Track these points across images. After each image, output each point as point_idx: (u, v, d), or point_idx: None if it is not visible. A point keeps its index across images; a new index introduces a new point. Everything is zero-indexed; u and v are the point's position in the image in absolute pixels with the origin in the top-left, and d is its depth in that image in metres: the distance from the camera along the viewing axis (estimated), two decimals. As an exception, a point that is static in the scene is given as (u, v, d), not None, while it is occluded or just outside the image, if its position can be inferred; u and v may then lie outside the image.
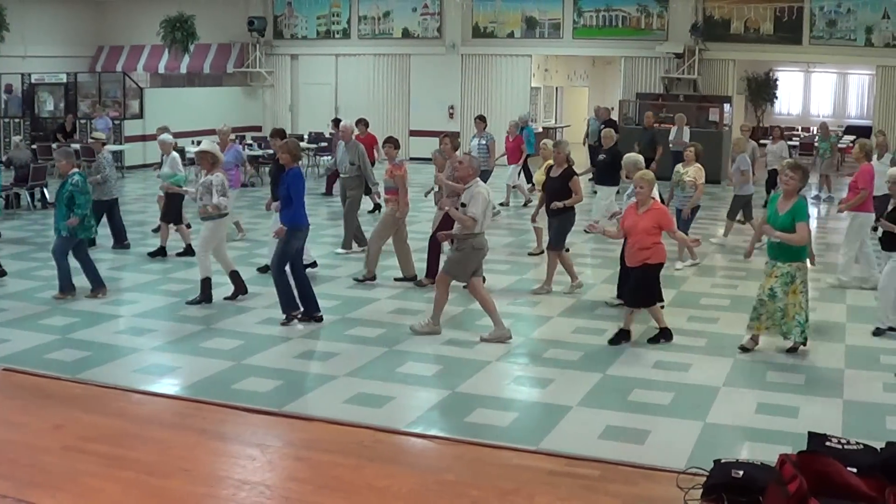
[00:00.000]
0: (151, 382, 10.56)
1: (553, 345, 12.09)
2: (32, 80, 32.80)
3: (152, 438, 8.93)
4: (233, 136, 19.53)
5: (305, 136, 31.31)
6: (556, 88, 41.68)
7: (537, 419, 9.61)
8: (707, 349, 11.95)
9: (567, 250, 15.67)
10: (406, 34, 35.30)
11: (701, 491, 7.55)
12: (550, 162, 15.65)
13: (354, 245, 17.54)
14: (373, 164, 18.19)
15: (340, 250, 17.51)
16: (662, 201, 13.96)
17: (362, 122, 22.43)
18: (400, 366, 11.17)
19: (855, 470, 7.04)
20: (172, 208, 17.17)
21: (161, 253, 16.96)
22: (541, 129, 36.80)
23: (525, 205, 23.33)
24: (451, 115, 34.04)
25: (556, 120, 41.97)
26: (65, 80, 32.76)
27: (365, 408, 9.74)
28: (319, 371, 11.00)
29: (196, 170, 18.07)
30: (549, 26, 33.53)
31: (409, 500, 7.72)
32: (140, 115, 31.50)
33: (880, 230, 12.72)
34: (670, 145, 24.55)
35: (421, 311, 13.19)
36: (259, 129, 35.00)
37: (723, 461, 7.82)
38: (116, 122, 30.75)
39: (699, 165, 16.63)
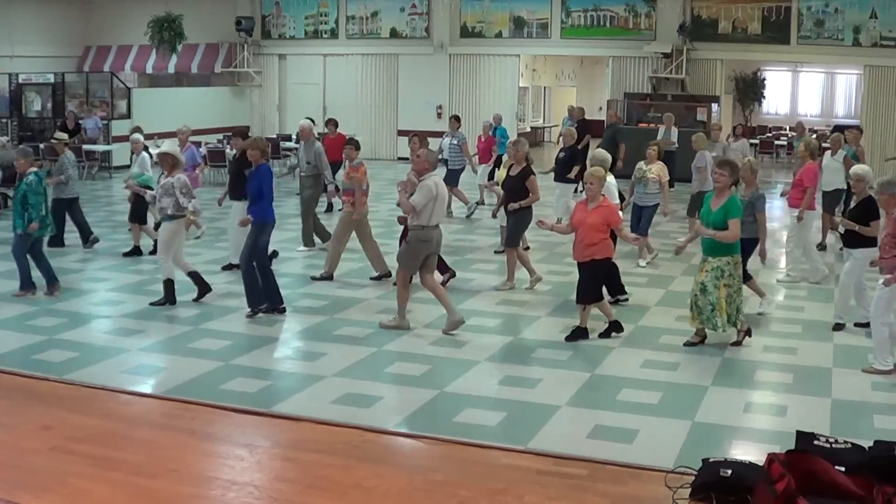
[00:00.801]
0: (139, 383, 10.52)
1: (541, 344, 12.10)
2: (20, 81, 32.72)
3: (140, 439, 8.92)
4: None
5: (293, 136, 31.28)
6: (544, 88, 41.77)
7: (526, 419, 9.59)
8: (695, 348, 11.94)
9: (527, 248, 16.16)
10: (394, 34, 35.30)
11: (689, 490, 7.56)
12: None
13: (318, 241, 17.69)
14: (342, 163, 17.98)
15: (302, 248, 17.60)
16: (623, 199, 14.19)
17: (332, 122, 22.52)
18: (388, 366, 11.17)
19: (843, 469, 7.07)
20: (139, 209, 17.20)
21: (136, 252, 17.04)
22: (529, 129, 36.91)
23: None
24: (438, 115, 34.00)
25: (544, 120, 42.06)
26: (52, 81, 32.70)
27: (353, 408, 9.73)
28: (307, 371, 10.97)
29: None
30: (536, 26, 33.56)
31: (398, 501, 7.72)
32: (128, 116, 31.36)
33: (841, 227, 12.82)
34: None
35: (409, 310, 13.16)
36: (247, 128, 34.92)
37: (711, 460, 7.85)
38: (104, 122, 30.69)
39: (662, 163, 16.69)
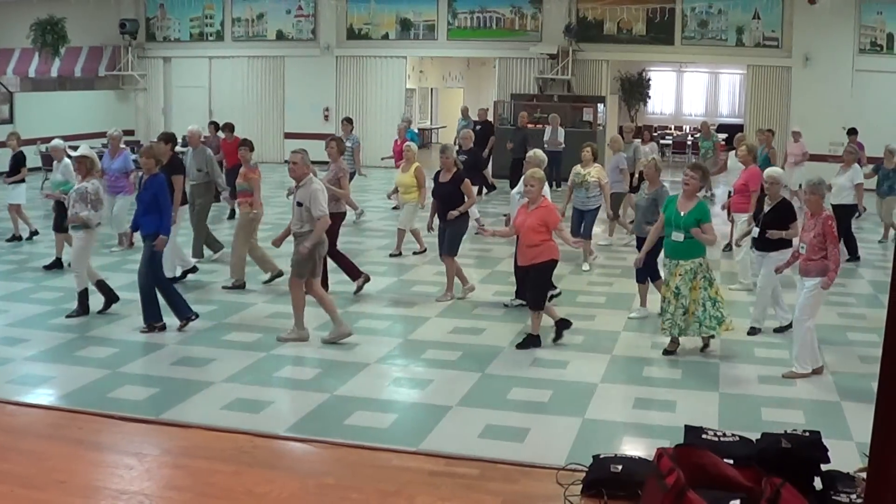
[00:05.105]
0: (25, 393, 10.30)
1: (431, 345, 12.13)
2: None
3: (27, 450, 8.75)
4: (105, 142, 19.09)
5: (179, 140, 30.91)
6: (431, 89, 41.87)
7: (417, 420, 9.62)
8: (584, 346, 12.09)
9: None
10: (280, 36, 35.13)
11: (580, 486, 7.64)
12: (416, 164, 15.93)
13: (207, 252, 17.21)
14: (239, 166, 17.41)
15: (192, 259, 16.80)
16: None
17: (228, 127, 22.14)
18: (278, 370, 11.12)
19: (731, 461, 7.18)
20: (63, 218, 16.27)
21: (57, 265, 16.27)
22: (416, 130, 36.92)
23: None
24: (325, 118, 33.93)
25: (431, 121, 42.14)
26: (-69, 85, 32.06)
27: (243, 413, 9.66)
28: (196, 377, 10.84)
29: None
30: (423, 28, 33.66)
31: (290, 505, 7.69)
32: (10, 121, 30.65)
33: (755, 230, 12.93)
34: (545, 145, 24.65)
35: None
36: (132, 132, 34.53)
37: (601, 456, 7.95)
38: (-15, 127, 30.11)
39: (599, 165, 16.73)
